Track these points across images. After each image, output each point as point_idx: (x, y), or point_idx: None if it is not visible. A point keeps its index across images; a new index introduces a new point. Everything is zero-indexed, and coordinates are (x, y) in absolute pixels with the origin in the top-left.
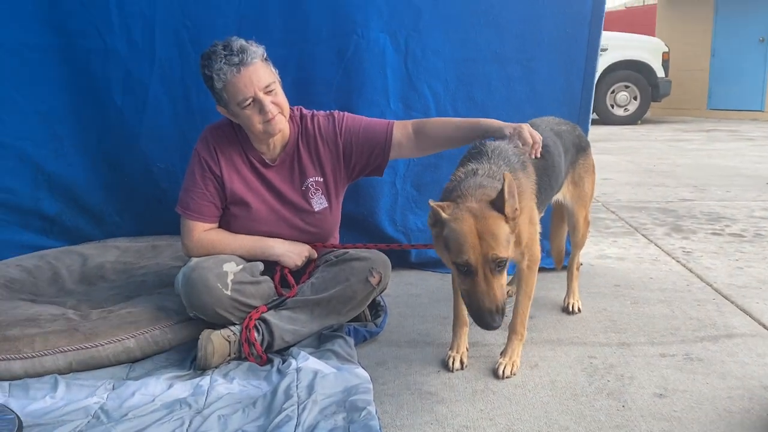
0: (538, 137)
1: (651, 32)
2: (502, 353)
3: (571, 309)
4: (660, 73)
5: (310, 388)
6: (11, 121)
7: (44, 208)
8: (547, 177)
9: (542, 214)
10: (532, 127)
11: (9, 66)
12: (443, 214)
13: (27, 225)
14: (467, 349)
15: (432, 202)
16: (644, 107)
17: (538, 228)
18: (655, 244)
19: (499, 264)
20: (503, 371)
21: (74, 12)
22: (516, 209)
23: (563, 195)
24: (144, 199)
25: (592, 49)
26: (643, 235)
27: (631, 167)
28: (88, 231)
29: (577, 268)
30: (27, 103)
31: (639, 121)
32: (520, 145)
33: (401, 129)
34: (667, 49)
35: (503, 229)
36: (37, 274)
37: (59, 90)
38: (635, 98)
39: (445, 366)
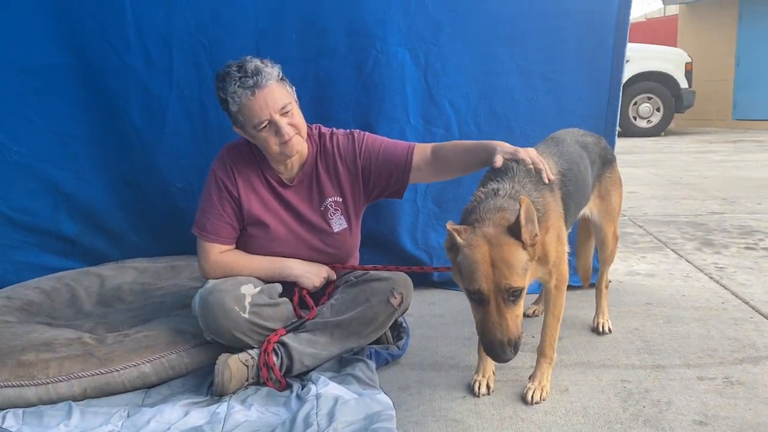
0: (540, 162)
1: (673, 43)
2: (531, 378)
3: (601, 329)
4: (683, 83)
5: (331, 416)
6: (30, 142)
7: (63, 229)
8: (574, 192)
9: (569, 230)
10: (555, 140)
11: (27, 87)
12: (458, 239)
13: (46, 246)
14: (494, 373)
15: (449, 226)
16: (668, 119)
17: (567, 247)
18: (686, 260)
19: (513, 294)
20: (532, 397)
21: (91, 31)
22: (535, 235)
23: (590, 209)
24: (162, 218)
25: (618, 59)
26: (672, 250)
27: (657, 180)
28: (106, 251)
29: (606, 286)
30: (45, 123)
31: (662, 133)
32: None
33: (421, 152)
34: (690, 60)
35: (519, 256)
36: (55, 297)
37: (77, 110)
38: (658, 110)
39: (471, 391)
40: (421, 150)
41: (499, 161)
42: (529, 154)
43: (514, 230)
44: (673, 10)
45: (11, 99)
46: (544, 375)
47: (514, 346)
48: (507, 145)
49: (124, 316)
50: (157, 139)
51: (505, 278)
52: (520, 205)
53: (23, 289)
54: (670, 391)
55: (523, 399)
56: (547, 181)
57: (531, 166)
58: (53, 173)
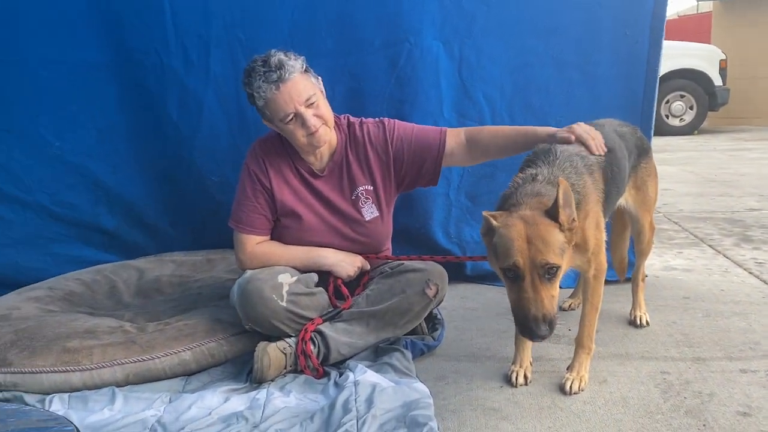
0: (596, 133)
1: (706, 40)
2: (569, 368)
3: (638, 322)
4: (717, 81)
5: (369, 402)
6: (72, 138)
7: (103, 222)
8: (613, 180)
9: (607, 220)
10: (596, 125)
11: (70, 83)
12: (494, 222)
13: (87, 239)
14: (531, 364)
15: (485, 212)
16: (701, 117)
17: (605, 235)
18: (724, 255)
19: (549, 271)
20: (570, 387)
21: (133, 30)
22: (573, 219)
23: (625, 200)
24: (199, 212)
25: (654, 52)
26: (709, 245)
27: (691, 177)
28: (144, 244)
29: (643, 279)
30: (87, 119)
31: (695, 131)
32: (576, 144)
33: (454, 137)
34: (724, 57)
35: (556, 236)
36: (95, 288)
37: (117, 106)
38: (691, 108)
39: (508, 381)
40: (454, 134)
41: (564, 136)
42: (582, 128)
43: (552, 213)
44: (707, 6)
45: (53, 95)
46: (582, 365)
47: (549, 323)
48: (552, 128)
49: (164, 306)
50: (194, 134)
51: (541, 254)
52: (558, 187)
53: (64, 281)
54: (712, 383)
55: (561, 389)
56: (602, 152)
57: (586, 137)
58: (93, 168)
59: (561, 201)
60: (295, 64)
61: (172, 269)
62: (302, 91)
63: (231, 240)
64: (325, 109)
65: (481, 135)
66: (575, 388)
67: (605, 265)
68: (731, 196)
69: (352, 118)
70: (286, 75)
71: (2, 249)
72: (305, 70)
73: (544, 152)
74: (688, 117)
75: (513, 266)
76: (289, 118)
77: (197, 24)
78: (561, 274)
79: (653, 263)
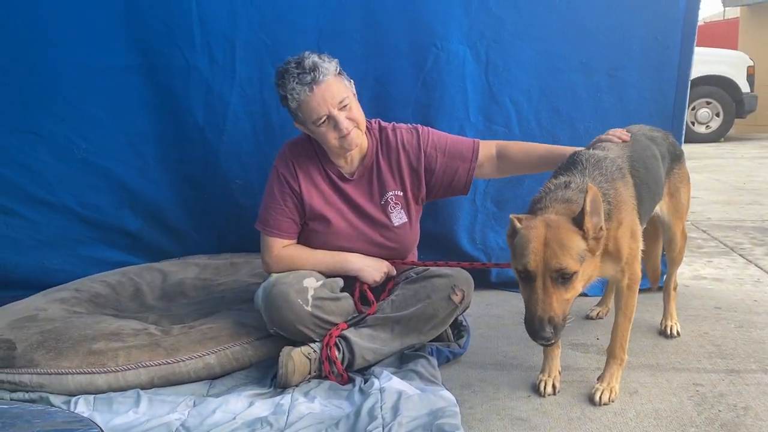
0: (626, 134)
1: (733, 46)
2: (600, 378)
3: (669, 332)
4: (745, 88)
5: (395, 410)
6: (98, 140)
7: (127, 225)
8: (647, 187)
9: (644, 226)
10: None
11: (96, 86)
12: (517, 224)
13: (111, 242)
14: (560, 373)
15: (513, 215)
16: (728, 124)
17: (641, 244)
18: (756, 265)
19: (562, 275)
20: (600, 397)
21: (159, 33)
22: (600, 228)
23: (659, 207)
24: (223, 215)
25: (686, 57)
26: (740, 255)
27: (719, 185)
28: (167, 247)
29: (675, 288)
30: (112, 122)
31: (722, 139)
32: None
33: (486, 150)
34: (752, 63)
35: (575, 242)
36: (120, 290)
37: (143, 109)
38: (717, 115)
39: (536, 390)
40: (486, 147)
41: None
42: (611, 133)
43: (578, 220)
44: (734, 13)
45: (80, 99)
46: (613, 376)
47: (555, 327)
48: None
49: (187, 309)
50: (219, 138)
51: (556, 257)
52: (586, 194)
53: (90, 283)
54: (747, 396)
55: (591, 400)
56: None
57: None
58: (119, 171)
59: (588, 208)
60: (329, 66)
61: (195, 272)
62: (336, 94)
63: (255, 244)
64: (358, 112)
65: (512, 151)
66: (605, 398)
67: (639, 275)
68: (761, 205)
69: (383, 123)
70: (320, 77)
71: (29, 250)
72: (339, 73)
73: (573, 161)
74: (715, 124)
75: (525, 267)
76: (322, 120)
77: (223, 26)
78: (578, 280)
79: (683, 272)
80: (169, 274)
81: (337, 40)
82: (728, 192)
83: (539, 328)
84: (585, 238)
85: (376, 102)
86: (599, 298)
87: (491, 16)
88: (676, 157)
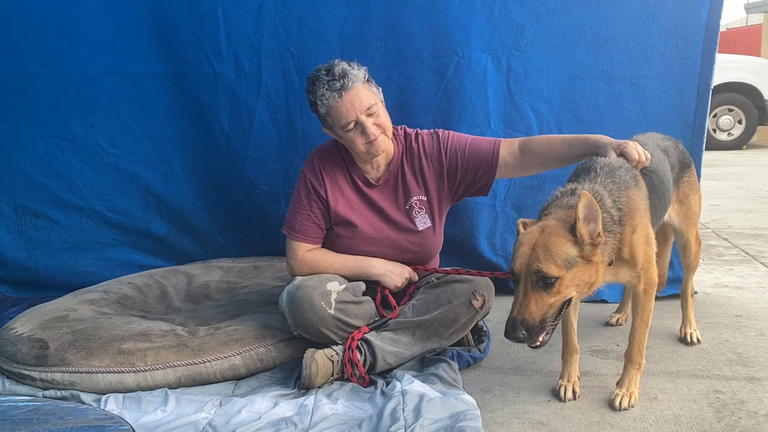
0: (647, 155)
1: (756, 53)
2: (619, 383)
3: (689, 339)
4: (767, 95)
5: (417, 412)
6: (125, 146)
7: (153, 228)
8: (658, 194)
9: (655, 231)
10: (637, 141)
11: (124, 92)
12: (520, 229)
13: (137, 245)
14: (579, 378)
15: (521, 219)
16: (750, 131)
17: (655, 248)
18: None
19: (542, 279)
20: (620, 403)
21: (186, 41)
22: (598, 234)
23: (669, 214)
24: (247, 220)
25: (707, 66)
26: (762, 263)
27: (740, 193)
28: (192, 251)
29: (692, 295)
30: (140, 128)
31: (744, 146)
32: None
33: (507, 147)
34: None
35: (564, 247)
36: (147, 292)
37: (170, 115)
38: (739, 122)
39: (556, 395)
40: (507, 144)
41: (612, 155)
42: (637, 148)
43: (574, 227)
44: (756, 19)
45: (109, 105)
46: (632, 381)
47: (528, 329)
48: (607, 138)
49: (213, 311)
50: (245, 144)
51: (538, 262)
52: (579, 201)
53: (118, 285)
54: None
55: (611, 405)
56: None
57: (636, 157)
58: (145, 175)
59: (580, 215)
60: (358, 73)
61: (219, 275)
62: (364, 100)
63: (278, 248)
64: (385, 118)
65: (536, 143)
66: (625, 404)
67: (656, 280)
68: None
69: (408, 129)
70: (349, 84)
71: (58, 253)
72: (367, 80)
73: (585, 168)
74: (737, 131)
75: (511, 271)
76: (350, 126)
77: (249, 35)
78: (563, 285)
79: (703, 280)
80: (194, 277)
81: (360, 48)
82: (750, 200)
83: (511, 329)
84: (578, 244)
85: (398, 109)
86: (618, 305)
87: (512, 24)
88: (686, 165)
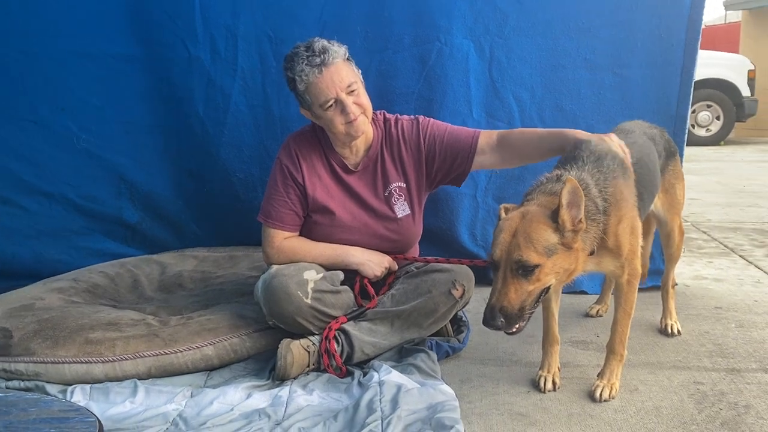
0: (625, 149)
1: (734, 50)
2: (600, 375)
3: (669, 330)
4: (745, 91)
5: (394, 403)
6: (97, 131)
7: (126, 216)
8: (647, 183)
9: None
10: (623, 131)
11: (96, 76)
12: (501, 214)
13: (109, 233)
14: (559, 369)
15: (503, 204)
16: (728, 127)
17: (641, 240)
18: (756, 266)
19: (522, 267)
20: (600, 394)
21: (161, 23)
22: (579, 221)
23: (655, 204)
24: (222, 208)
25: (689, 56)
26: (740, 256)
27: (719, 188)
28: (166, 240)
29: (673, 286)
30: (112, 112)
31: (722, 142)
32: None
33: (486, 138)
34: (752, 67)
35: (544, 234)
36: (118, 281)
37: (143, 100)
38: (718, 118)
39: (536, 386)
40: (487, 135)
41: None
42: (612, 138)
43: (556, 213)
44: (735, 16)
45: (79, 88)
46: (613, 372)
47: (506, 316)
48: (584, 133)
49: (186, 301)
50: (220, 130)
51: (518, 249)
52: (564, 186)
53: (88, 273)
54: (748, 395)
55: (591, 396)
56: (629, 167)
57: (618, 152)
58: (118, 161)
59: (564, 201)
60: (339, 50)
61: (194, 265)
62: (344, 77)
63: (254, 237)
64: (365, 98)
65: (514, 136)
66: (605, 395)
67: (639, 271)
68: (761, 207)
69: (388, 115)
70: (330, 59)
71: (26, 240)
72: (347, 59)
73: (573, 156)
74: (715, 127)
75: (490, 257)
76: (329, 103)
77: (226, 17)
78: (543, 273)
79: (683, 272)
80: (168, 266)
81: (341, 32)
82: (728, 194)
83: (489, 317)
84: (559, 231)
85: (379, 96)
86: (597, 296)
87: (496, 11)
88: (671, 154)
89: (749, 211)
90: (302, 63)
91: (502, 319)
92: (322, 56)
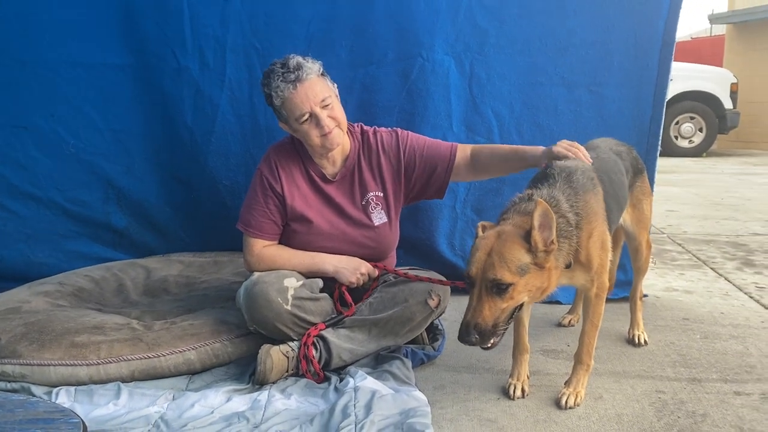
0: (577, 145)
1: (719, 63)
2: (567, 383)
3: (636, 341)
4: (728, 104)
5: (368, 408)
6: (87, 137)
7: (113, 221)
8: (614, 198)
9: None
10: (591, 147)
11: (87, 83)
12: (479, 232)
13: (96, 237)
14: (528, 377)
15: (481, 222)
16: (710, 139)
17: (610, 254)
18: (726, 278)
19: (496, 285)
20: (566, 401)
21: (151, 33)
22: (551, 242)
23: (623, 219)
24: (209, 215)
25: (662, 76)
26: (712, 268)
27: (697, 200)
28: (153, 245)
29: (641, 298)
30: (102, 120)
31: (704, 154)
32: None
33: (462, 152)
34: (735, 80)
35: (517, 254)
36: (104, 285)
37: (133, 108)
38: (701, 130)
39: (506, 393)
40: (462, 150)
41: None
42: (561, 145)
43: (528, 235)
44: (720, 30)
45: (71, 95)
46: (579, 381)
47: (480, 332)
48: (539, 149)
49: (170, 306)
50: (208, 139)
51: (493, 268)
52: (535, 209)
53: (74, 277)
54: (706, 404)
55: (557, 403)
56: (588, 161)
57: (567, 153)
58: (106, 167)
59: (535, 223)
60: (313, 66)
61: (179, 269)
62: (318, 92)
63: (240, 243)
64: (339, 112)
65: (482, 153)
66: (571, 402)
67: (607, 284)
68: (736, 220)
69: (365, 127)
70: (304, 75)
71: (15, 244)
72: (322, 74)
73: (544, 174)
74: (698, 139)
75: (467, 275)
76: (305, 117)
77: (215, 28)
78: (516, 291)
79: (654, 283)
80: (153, 271)
81: (327, 46)
82: (706, 207)
83: (464, 333)
84: (532, 251)
85: (362, 109)
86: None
87: (476, 29)
88: (639, 171)
89: (725, 224)
90: (278, 79)
91: (476, 336)
92: (296, 72)
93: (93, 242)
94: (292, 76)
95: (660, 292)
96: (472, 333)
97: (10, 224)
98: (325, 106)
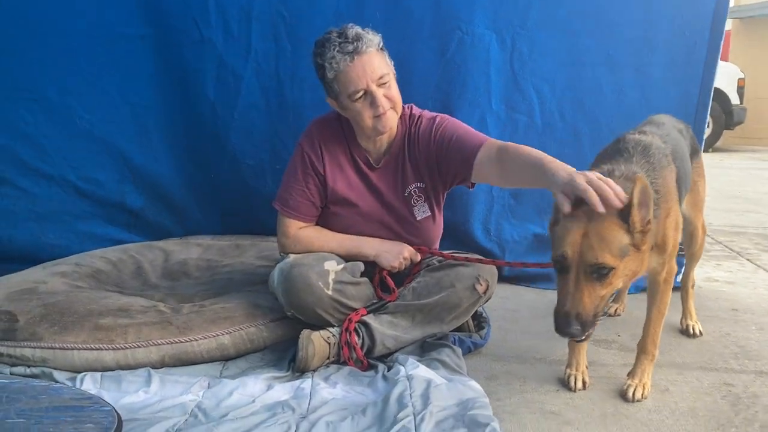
0: (607, 182)
1: (724, 58)
2: (631, 374)
3: (691, 331)
4: (734, 99)
5: (426, 399)
6: (101, 111)
7: (128, 201)
8: (683, 178)
9: None
10: (655, 123)
11: (103, 56)
12: (565, 211)
13: (111, 218)
14: (587, 368)
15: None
16: (716, 135)
17: (680, 236)
18: (765, 270)
19: (598, 270)
20: (633, 394)
21: (173, 3)
22: (648, 221)
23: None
24: (230, 196)
25: (713, 55)
26: (748, 260)
27: (713, 193)
28: (169, 227)
29: (692, 286)
30: (118, 94)
31: (710, 149)
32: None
33: (486, 149)
34: (742, 75)
35: (618, 236)
36: (122, 267)
37: (151, 82)
38: (707, 125)
39: (565, 384)
40: (489, 145)
41: (566, 208)
42: (588, 178)
43: (624, 212)
44: (726, 24)
45: (86, 67)
46: (645, 372)
47: (582, 323)
48: (562, 174)
49: (194, 289)
50: (230, 114)
51: (593, 250)
52: (635, 185)
53: (90, 258)
54: None
55: (623, 396)
56: (618, 204)
57: (591, 196)
58: (122, 144)
59: (635, 200)
60: (374, 38)
61: (198, 253)
62: (377, 68)
63: (262, 227)
64: (396, 92)
65: (509, 152)
66: (638, 395)
67: (676, 269)
68: (759, 213)
69: (414, 110)
70: (363, 47)
71: (25, 223)
72: (381, 48)
73: (616, 148)
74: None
75: (561, 257)
76: (359, 94)
77: None
78: (616, 276)
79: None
80: (171, 254)
81: (357, 18)
82: (723, 200)
83: (564, 324)
84: (630, 232)
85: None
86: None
87: (518, 3)
88: (696, 151)
89: (748, 216)
90: (334, 49)
91: (577, 326)
92: (355, 44)
93: (107, 223)
94: (350, 47)
95: (701, 282)
96: (573, 324)
97: (20, 203)
98: (382, 84)
